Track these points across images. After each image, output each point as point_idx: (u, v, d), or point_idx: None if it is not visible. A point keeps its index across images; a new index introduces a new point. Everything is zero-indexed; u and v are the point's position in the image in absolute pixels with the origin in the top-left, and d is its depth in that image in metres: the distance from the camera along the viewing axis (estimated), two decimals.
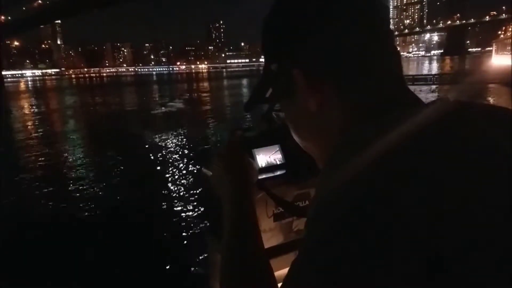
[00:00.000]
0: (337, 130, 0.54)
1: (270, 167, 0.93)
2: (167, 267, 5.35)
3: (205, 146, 13.38)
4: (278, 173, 0.93)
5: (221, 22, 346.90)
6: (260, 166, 0.91)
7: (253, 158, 0.91)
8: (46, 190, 9.42)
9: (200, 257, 5.29)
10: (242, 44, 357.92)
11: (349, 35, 0.53)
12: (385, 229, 0.36)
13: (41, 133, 18.22)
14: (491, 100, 21.19)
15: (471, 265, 0.34)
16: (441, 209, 0.36)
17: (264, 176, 0.89)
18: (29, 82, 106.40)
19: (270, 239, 0.92)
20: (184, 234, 6.55)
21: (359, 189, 0.40)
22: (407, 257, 0.34)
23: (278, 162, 0.95)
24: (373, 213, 0.37)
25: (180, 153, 12.76)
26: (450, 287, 0.34)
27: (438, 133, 0.43)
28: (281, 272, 0.66)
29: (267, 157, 0.94)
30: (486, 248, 0.35)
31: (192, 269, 5.20)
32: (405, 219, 0.35)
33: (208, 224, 0.92)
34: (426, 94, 24.23)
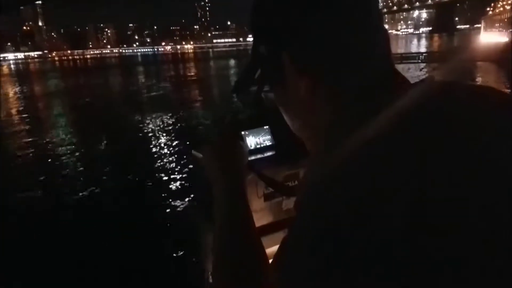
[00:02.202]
0: (326, 113, 0.55)
1: (260, 149, 0.95)
2: (159, 250, 5.30)
3: (193, 128, 13.20)
4: (268, 154, 0.94)
5: (207, 0, 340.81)
6: (250, 147, 0.93)
7: (243, 140, 0.92)
8: (32, 174, 9.27)
9: (192, 240, 5.17)
10: (229, 23, 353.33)
11: (338, 18, 0.52)
12: (374, 216, 0.36)
13: (26, 117, 17.81)
14: (479, 77, 21.21)
15: (461, 241, 0.35)
16: (430, 195, 0.37)
17: (253, 157, 0.90)
18: (12, 66, 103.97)
19: (260, 219, 0.93)
20: (173, 215, 6.52)
21: (348, 175, 0.40)
22: (396, 245, 0.35)
23: (268, 144, 0.96)
24: (362, 200, 0.38)
25: (168, 135, 12.55)
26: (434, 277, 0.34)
27: (425, 114, 0.44)
28: (271, 250, 0.70)
29: (256, 138, 0.95)
30: (478, 232, 0.36)
31: (185, 251, 5.15)
32: (393, 207, 0.36)
33: (198, 206, 0.97)
34: (414, 72, 24.16)
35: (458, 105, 0.47)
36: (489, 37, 40.38)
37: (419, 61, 31.05)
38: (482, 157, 0.41)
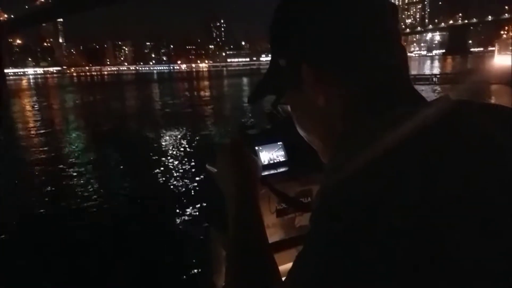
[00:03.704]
0: (342, 125, 0.55)
1: (273, 164, 0.95)
2: (168, 262, 5.33)
3: (207, 144, 13.45)
4: (281, 170, 0.94)
5: (222, 21, 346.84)
6: (263, 163, 0.92)
7: (257, 155, 0.92)
8: (45, 186, 9.47)
9: (201, 252, 5.26)
10: (243, 43, 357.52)
11: (358, 32, 0.54)
12: (390, 227, 0.37)
13: (41, 130, 18.23)
14: (493, 100, 21.19)
15: (473, 260, 0.36)
16: (442, 208, 0.37)
17: (267, 173, 0.90)
18: (31, 80, 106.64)
19: (273, 235, 0.93)
20: (184, 229, 6.61)
21: (364, 187, 0.41)
22: (411, 256, 0.35)
23: (281, 159, 0.96)
24: (377, 212, 0.38)
25: (181, 150, 12.83)
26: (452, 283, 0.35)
27: (440, 131, 0.44)
28: (283, 267, 0.68)
29: (270, 154, 0.95)
30: (486, 246, 0.36)
31: (193, 263, 5.20)
32: (408, 219, 0.37)
33: (210, 219, 0.96)
34: (427, 94, 24.26)
35: (470, 119, 0.47)
36: (503, 60, 40.27)
37: (433, 82, 31.08)
38: (491, 167, 0.41)
